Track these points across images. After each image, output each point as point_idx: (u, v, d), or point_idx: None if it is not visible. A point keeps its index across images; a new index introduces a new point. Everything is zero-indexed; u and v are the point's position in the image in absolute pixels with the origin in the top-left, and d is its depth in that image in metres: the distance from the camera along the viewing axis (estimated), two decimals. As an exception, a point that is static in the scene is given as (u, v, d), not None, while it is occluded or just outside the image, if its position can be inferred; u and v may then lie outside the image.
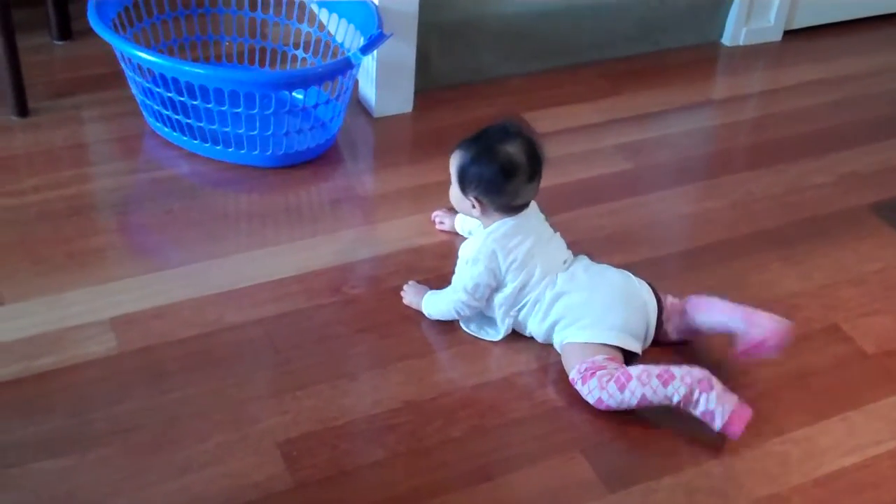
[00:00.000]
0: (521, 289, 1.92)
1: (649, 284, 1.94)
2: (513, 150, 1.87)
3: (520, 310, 1.94)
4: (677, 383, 1.77)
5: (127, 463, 1.69)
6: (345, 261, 2.15)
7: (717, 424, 1.76)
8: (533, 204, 1.97)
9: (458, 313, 1.96)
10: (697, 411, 1.77)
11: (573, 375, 1.85)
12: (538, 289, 1.91)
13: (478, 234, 1.96)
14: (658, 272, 2.08)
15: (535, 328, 1.94)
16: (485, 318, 1.99)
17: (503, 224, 1.92)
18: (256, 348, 1.92)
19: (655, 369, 1.79)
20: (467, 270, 1.92)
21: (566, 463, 1.76)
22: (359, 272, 2.13)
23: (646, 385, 1.78)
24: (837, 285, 2.18)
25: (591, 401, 1.82)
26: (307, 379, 1.87)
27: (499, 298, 1.94)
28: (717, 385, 1.77)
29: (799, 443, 1.82)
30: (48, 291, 2.00)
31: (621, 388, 1.79)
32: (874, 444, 1.84)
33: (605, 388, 1.80)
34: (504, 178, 1.87)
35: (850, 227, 2.35)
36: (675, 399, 1.77)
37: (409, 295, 2.04)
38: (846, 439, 1.84)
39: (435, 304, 1.98)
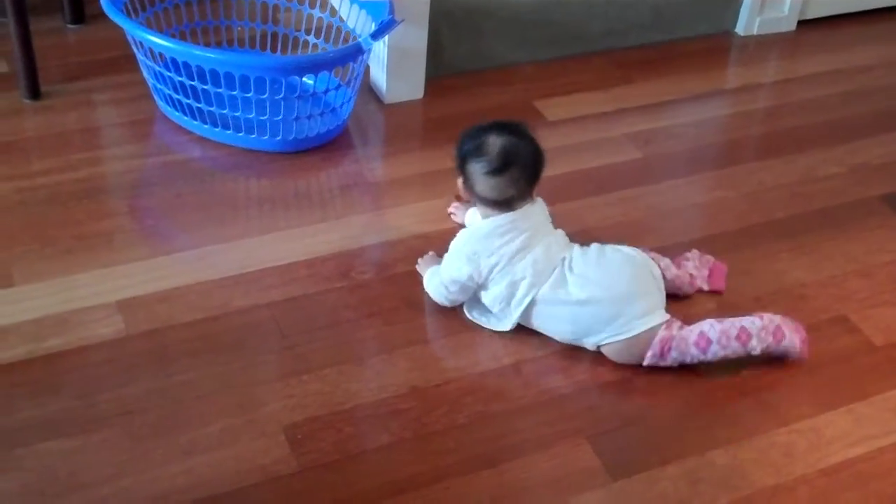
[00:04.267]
0: (511, 286, 1.91)
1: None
2: (491, 139, 1.89)
3: (522, 301, 1.92)
4: (754, 342, 1.87)
5: (131, 445, 1.70)
6: (353, 246, 2.15)
7: (796, 349, 1.90)
8: (539, 203, 1.97)
9: (443, 299, 1.98)
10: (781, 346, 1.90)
11: (647, 363, 1.88)
12: (540, 288, 1.90)
13: (467, 227, 1.97)
14: (667, 261, 2.08)
15: (555, 335, 1.94)
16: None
17: (491, 222, 1.92)
18: (263, 332, 1.93)
19: (733, 330, 1.87)
20: (448, 263, 1.95)
21: (571, 450, 1.76)
22: (367, 258, 2.13)
23: (725, 348, 1.87)
24: (846, 276, 2.18)
25: (674, 364, 1.89)
26: (313, 363, 1.87)
27: (487, 298, 1.94)
28: (786, 325, 1.90)
29: (805, 433, 1.82)
30: (57, 274, 2.01)
31: (703, 350, 1.87)
32: (881, 435, 1.83)
33: (688, 350, 1.86)
34: (468, 159, 1.91)
35: (861, 219, 2.34)
36: (756, 352, 1.89)
37: (422, 265, 2.06)
38: (853, 430, 1.83)
39: (430, 282, 2.01)
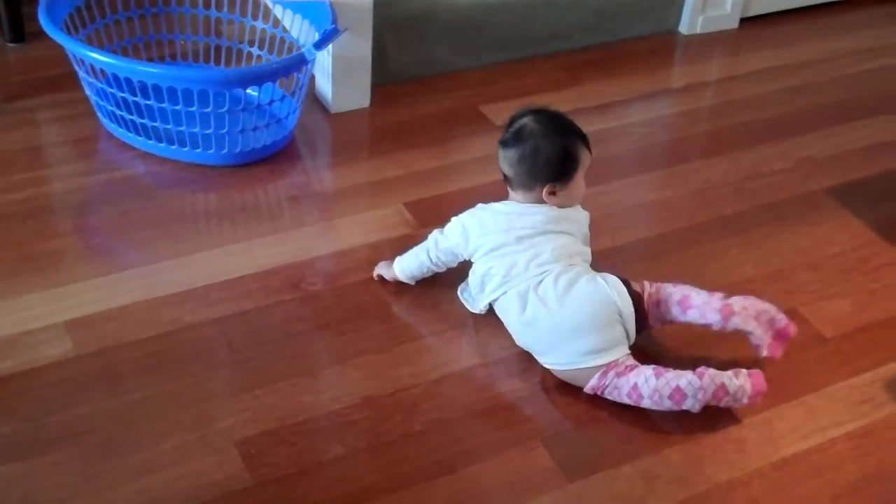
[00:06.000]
0: (485, 276, 1.92)
1: (623, 280, 1.88)
2: (526, 118, 1.96)
3: (489, 295, 1.93)
4: (690, 401, 1.79)
5: (83, 466, 1.68)
6: (303, 257, 2.14)
7: (745, 401, 1.82)
8: (564, 212, 1.95)
9: (427, 252, 2.00)
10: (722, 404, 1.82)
11: (586, 392, 1.86)
12: (507, 291, 1.89)
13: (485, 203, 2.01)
14: (618, 261, 2.08)
15: (513, 336, 1.95)
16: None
17: (497, 207, 1.97)
18: (214, 348, 1.91)
19: (667, 389, 1.78)
20: (451, 222, 1.98)
21: (527, 453, 1.76)
22: (317, 269, 2.12)
23: (658, 405, 1.80)
24: (795, 270, 2.19)
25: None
26: (266, 377, 1.86)
27: (471, 278, 1.97)
28: (730, 382, 1.80)
29: (757, 427, 1.83)
30: (2, 295, 1.98)
31: (637, 402, 1.81)
32: (833, 426, 1.85)
33: (621, 398, 1.82)
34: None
35: (807, 212, 2.36)
36: (695, 411, 1.81)
37: (381, 267, 2.07)
38: (805, 423, 1.85)
39: (406, 255, 2.03)
